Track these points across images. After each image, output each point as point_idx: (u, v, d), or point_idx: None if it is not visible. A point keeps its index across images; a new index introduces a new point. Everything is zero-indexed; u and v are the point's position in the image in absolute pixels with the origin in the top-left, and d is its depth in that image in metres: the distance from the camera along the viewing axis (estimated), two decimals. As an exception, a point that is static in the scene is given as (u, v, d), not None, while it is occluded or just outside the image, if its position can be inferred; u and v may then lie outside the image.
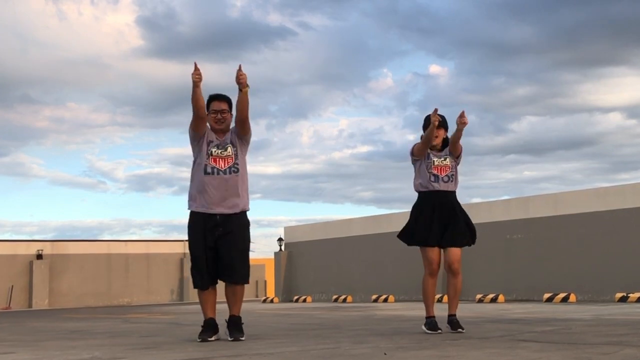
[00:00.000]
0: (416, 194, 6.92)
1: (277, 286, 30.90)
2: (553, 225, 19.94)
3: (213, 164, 6.32)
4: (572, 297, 17.65)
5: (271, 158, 65.02)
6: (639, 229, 17.90)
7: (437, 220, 6.68)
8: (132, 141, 67.05)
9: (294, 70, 64.80)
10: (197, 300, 6.74)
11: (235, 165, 6.36)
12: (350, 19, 63.77)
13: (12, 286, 35.02)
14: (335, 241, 27.91)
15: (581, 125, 60.20)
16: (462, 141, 6.83)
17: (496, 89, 58.91)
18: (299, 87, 64.98)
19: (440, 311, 6.95)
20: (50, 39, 56.13)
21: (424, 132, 6.85)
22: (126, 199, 66.98)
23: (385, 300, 22.68)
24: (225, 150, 6.35)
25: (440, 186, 6.76)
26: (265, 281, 41.22)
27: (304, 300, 26.76)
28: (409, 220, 6.89)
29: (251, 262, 6.64)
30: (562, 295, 17.75)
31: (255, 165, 59.35)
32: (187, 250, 7.43)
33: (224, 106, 6.42)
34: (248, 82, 6.24)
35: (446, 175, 6.78)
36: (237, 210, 6.35)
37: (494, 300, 18.92)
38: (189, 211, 6.43)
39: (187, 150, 6.51)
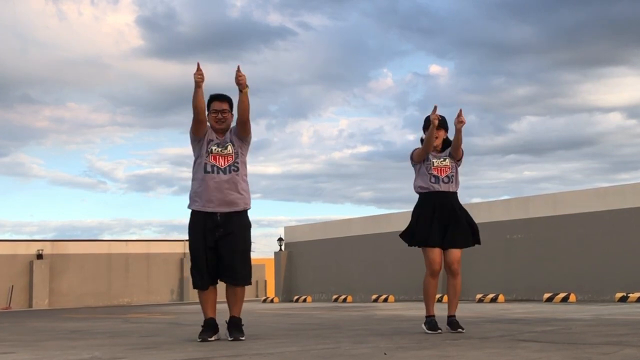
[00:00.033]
0: (417, 196, 6.92)
1: (277, 286, 30.91)
2: (553, 225, 19.95)
3: (213, 161, 6.32)
4: (572, 297, 17.66)
5: (271, 158, 65.12)
6: (639, 229, 17.91)
7: (438, 220, 6.66)
8: (132, 141, 67.17)
9: (294, 70, 64.86)
10: (197, 300, 6.73)
11: (236, 164, 6.35)
12: (350, 19, 63.85)
13: (12, 286, 35.03)
14: (335, 241, 27.91)
15: (581, 125, 60.27)
16: (465, 120, 6.80)
17: (496, 89, 58.97)
18: (299, 87, 65.07)
19: (440, 311, 6.95)
20: (50, 39, 56.18)
21: (424, 132, 6.84)
22: (126, 199, 67.09)
23: (385, 300, 22.68)
24: (226, 148, 6.35)
25: (441, 187, 6.74)
26: (266, 281, 41.25)
27: (304, 300, 26.76)
28: (411, 221, 6.88)
29: (252, 263, 6.63)
30: (562, 295, 17.75)
31: (255, 165, 59.40)
32: (187, 250, 7.44)
33: (225, 106, 6.41)
34: (247, 83, 6.24)
35: (446, 176, 6.76)
36: (238, 209, 6.33)
37: (494, 300, 18.92)
38: (190, 210, 6.43)
39: (187, 150, 6.53)
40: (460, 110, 6.69)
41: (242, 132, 6.39)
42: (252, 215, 6.54)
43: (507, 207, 21.62)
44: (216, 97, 6.44)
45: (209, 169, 6.30)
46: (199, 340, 6.23)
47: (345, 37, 65.21)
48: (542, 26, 53.33)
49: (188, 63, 61.00)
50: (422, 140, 6.91)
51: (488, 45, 57.37)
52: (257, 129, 61.08)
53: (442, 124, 6.85)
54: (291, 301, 27.91)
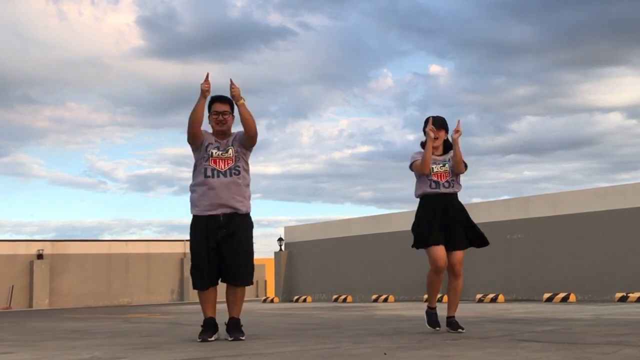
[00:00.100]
0: (417, 199, 6.91)
1: (277, 286, 30.91)
2: (553, 225, 19.95)
3: (213, 165, 6.30)
4: (572, 297, 17.66)
5: (271, 158, 65.14)
6: (639, 229, 17.91)
7: (440, 221, 6.65)
8: (133, 141, 67.18)
9: (294, 70, 64.86)
10: (197, 300, 6.72)
11: (237, 168, 6.33)
12: (350, 19, 63.86)
13: (13, 286, 35.04)
14: (335, 241, 27.91)
15: (581, 125, 60.28)
16: (461, 141, 6.80)
17: (496, 89, 58.98)
18: (299, 87, 65.08)
19: (440, 311, 6.95)
20: (51, 39, 56.19)
21: (424, 133, 6.83)
22: (126, 199, 67.10)
23: (385, 300, 22.68)
24: (227, 152, 6.33)
25: (441, 191, 6.73)
26: (266, 281, 41.26)
27: (304, 300, 26.77)
28: (413, 225, 6.85)
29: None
30: (562, 295, 17.76)
31: (255, 165, 59.26)
32: (188, 250, 7.43)
33: (226, 108, 6.40)
34: (242, 95, 6.27)
35: (446, 181, 6.72)
36: (240, 212, 6.32)
37: (494, 300, 18.93)
38: (192, 212, 6.42)
39: (187, 150, 6.51)
40: (458, 122, 6.71)
41: (249, 142, 6.39)
42: (252, 215, 6.53)
43: (507, 207, 21.62)
44: (217, 99, 6.43)
45: (209, 173, 6.29)
46: (199, 340, 6.23)
47: (345, 37, 65.27)
48: (542, 26, 53.38)
49: (188, 63, 60.98)
50: (422, 144, 6.87)
51: (488, 45, 57.43)
52: (258, 129, 60.94)
53: (442, 124, 6.84)
54: (291, 301, 27.91)
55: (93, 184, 65.63)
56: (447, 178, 6.74)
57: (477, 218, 7.39)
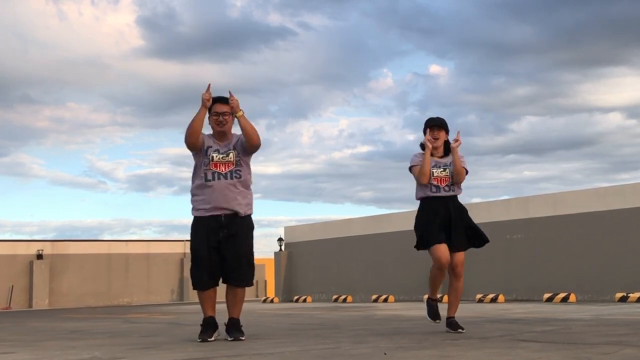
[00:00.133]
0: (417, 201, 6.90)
1: (277, 286, 30.91)
2: (553, 225, 19.95)
3: (214, 168, 6.30)
4: (572, 297, 17.66)
5: (271, 158, 65.11)
6: (639, 229, 17.91)
7: (440, 221, 6.64)
8: (133, 141, 67.15)
9: (294, 70, 64.86)
10: (197, 301, 6.72)
11: (238, 172, 6.33)
12: (350, 19, 63.85)
13: (12, 286, 35.03)
14: (335, 241, 27.91)
15: (581, 125, 60.27)
16: (461, 141, 6.79)
17: (496, 89, 58.97)
18: (299, 87, 65.06)
19: (441, 311, 6.95)
20: (51, 39, 56.20)
21: (425, 135, 6.83)
22: (126, 199, 67.07)
23: (385, 300, 22.68)
24: (227, 156, 6.32)
25: (442, 194, 6.72)
26: (266, 281, 41.25)
27: (304, 300, 26.77)
28: (415, 227, 6.84)
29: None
30: (562, 295, 17.76)
31: (255, 165, 58.76)
32: (188, 250, 7.43)
33: (226, 109, 6.39)
34: (241, 107, 6.28)
35: (446, 185, 6.72)
36: (241, 214, 6.32)
37: (494, 300, 18.93)
38: (193, 214, 6.41)
39: (187, 150, 6.50)
40: (458, 132, 6.71)
41: (251, 150, 6.38)
42: (252, 215, 6.53)
43: (507, 207, 21.62)
44: (218, 100, 6.43)
45: (209, 176, 6.28)
46: (199, 340, 6.23)
47: (345, 37, 65.26)
48: (542, 26, 53.38)
49: (188, 63, 60.99)
50: (422, 145, 6.85)
51: (488, 45, 57.42)
52: (257, 129, 60.93)
53: (442, 125, 6.83)
54: (291, 301, 27.91)
55: (93, 184, 65.67)
56: (448, 182, 6.72)
57: (477, 218, 7.39)
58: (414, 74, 65.99)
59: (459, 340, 5.70)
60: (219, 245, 6.24)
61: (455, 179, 6.73)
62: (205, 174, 6.29)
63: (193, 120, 6.26)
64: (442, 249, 6.56)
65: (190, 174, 6.50)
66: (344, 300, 24.62)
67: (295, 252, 30.11)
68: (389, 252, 24.50)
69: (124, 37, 57.79)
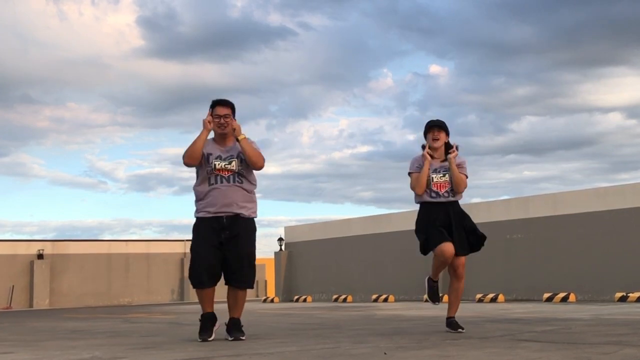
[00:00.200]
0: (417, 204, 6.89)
1: (277, 286, 30.91)
2: (553, 225, 19.95)
3: (217, 172, 6.31)
4: (572, 297, 17.66)
5: (271, 158, 65.07)
6: (639, 229, 17.91)
7: (441, 224, 6.63)
8: (133, 141, 67.17)
9: (294, 70, 64.87)
10: (197, 300, 6.72)
11: (241, 176, 6.34)
12: (350, 19, 63.86)
13: (13, 286, 35.05)
14: (335, 241, 27.91)
15: (581, 125, 60.29)
16: (461, 141, 6.79)
17: (496, 89, 58.98)
18: (299, 87, 65.08)
19: (441, 312, 6.95)
20: (51, 39, 56.21)
21: (425, 138, 6.82)
22: (126, 199, 67.08)
23: (385, 300, 22.68)
24: (230, 164, 6.32)
25: (441, 200, 6.70)
26: (266, 281, 41.26)
27: (304, 300, 26.77)
28: (416, 231, 6.81)
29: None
30: (562, 295, 17.76)
31: (256, 165, 59.21)
32: (188, 250, 7.44)
33: (227, 111, 6.39)
34: (243, 132, 6.30)
35: (446, 191, 6.69)
36: (244, 216, 6.32)
37: (494, 300, 18.93)
38: (195, 216, 6.42)
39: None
40: (456, 146, 6.71)
41: (254, 169, 6.40)
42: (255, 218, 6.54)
43: (507, 207, 21.62)
44: (218, 102, 6.43)
45: (212, 180, 6.30)
46: (199, 340, 6.24)
47: (345, 37, 65.27)
48: (542, 26, 53.39)
49: (188, 63, 61.00)
50: (423, 146, 6.84)
51: (488, 45, 57.43)
52: (257, 129, 61.05)
53: (443, 127, 6.82)
54: (291, 301, 27.91)
55: (93, 184, 65.68)
56: (447, 188, 6.69)
57: (477, 218, 7.39)
58: (414, 74, 66.06)
59: (459, 340, 5.70)
60: (221, 246, 6.24)
61: (456, 189, 6.68)
62: (209, 179, 6.30)
63: (194, 143, 6.27)
64: (447, 245, 6.50)
65: (190, 175, 6.52)
66: (344, 300, 24.63)
67: (295, 252, 30.11)
68: (389, 252, 24.50)
69: (124, 37, 57.84)
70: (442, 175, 6.69)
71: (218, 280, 6.32)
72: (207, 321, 6.32)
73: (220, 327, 6.41)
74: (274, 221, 69.09)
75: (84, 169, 68.50)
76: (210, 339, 6.26)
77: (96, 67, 55.69)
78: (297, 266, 29.97)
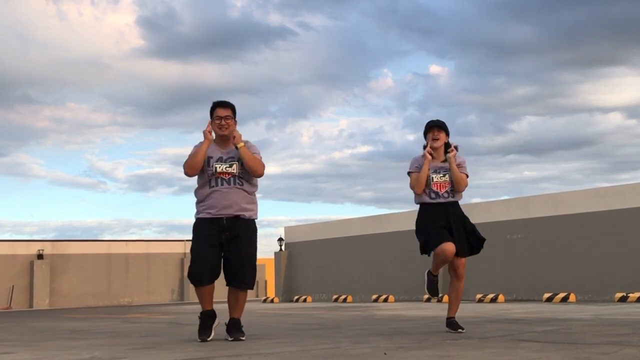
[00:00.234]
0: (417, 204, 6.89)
1: (277, 286, 30.91)
2: (553, 225, 19.94)
3: (218, 175, 6.31)
4: (572, 297, 17.66)
5: (271, 158, 64.99)
6: (639, 229, 17.91)
7: (441, 226, 6.62)
8: (132, 141, 67.11)
9: (294, 70, 64.85)
10: (197, 301, 6.72)
11: (241, 178, 6.34)
12: (350, 19, 63.83)
13: (13, 286, 35.04)
14: (335, 241, 27.91)
15: (581, 125, 60.25)
16: (461, 141, 6.79)
17: (496, 89, 58.96)
18: (299, 87, 65.04)
19: (441, 312, 6.95)
20: (51, 39, 56.20)
21: (425, 138, 6.82)
22: (126, 199, 67.02)
23: (385, 300, 22.68)
24: (231, 167, 6.33)
25: (441, 200, 6.70)
26: (266, 281, 41.25)
27: (304, 300, 26.76)
28: (416, 232, 6.80)
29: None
30: (562, 295, 17.76)
31: (256, 165, 59.15)
32: (188, 250, 7.44)
33: (228, 112, 6.40)
34: (243, 138, 6.32)
35: (446, 191, 6.68)
36: (244, 217, 6.32)
37: (494, 300, 18.93)
38: (196, 217, 6.41)
39: (187, 150, 6.51)
40: (455, 146, 6.71)
41: (254, 177, 6.41)
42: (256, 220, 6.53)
43: (507, 207, 21.62)
44: (219, 104, 6.44)
45: (213, 183, 6.30)
46: (198, 340, 6.24)
47: (345, 37, 65.24)
48: (542, 26, 53.37)
49: (188, 63, 60.96)
50: (424, 146, 6.84)
51: (488, 45, 57.41)
52: (257, 129, 61.01)
53: (443, 127, 6.82)
54: (291, 301, 27.91)
55: (93, 184, 65.62)
56: (447, 188, 6.69)
57: (477, 218, 7.40)
58: (414, 74, 66.00)
59: (459, 340, 5.70)
60: (221, 246, 6.24)
61: (456, 188, 6.68)
62: (210, 181, 6.30)
63: (195, 155, 6.28)
64: (447, 244, 6.50)
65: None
66: (344, 300, 24.62)
67: (295, 252, 30.11)
68: (389, 252, 24.49)
69: (124, 37, 57.83)
70: (442, 175, 6.69)
71: (217, 277, 6.30)
72: (207, 319, 6.33)
73: (220, 326, 6.41)
74: (274, 221, 69.12)
75: (83, 169, 68.52)
76: (209, 338, 6.27)
77: (96, 67, 55.72)
78: (297, 266, 29.97)
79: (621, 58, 55.51)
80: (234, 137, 6.31)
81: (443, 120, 6.86)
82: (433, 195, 6.68)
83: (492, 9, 55.47)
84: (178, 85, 59.00)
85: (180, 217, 73.61)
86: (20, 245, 36.41)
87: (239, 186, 6.31)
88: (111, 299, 36.84)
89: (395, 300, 22.55)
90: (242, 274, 6.26)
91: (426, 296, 19.55)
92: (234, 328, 6.28)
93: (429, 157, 6.64)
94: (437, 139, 6.74)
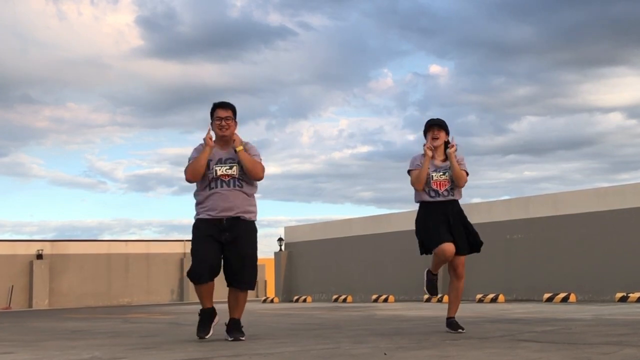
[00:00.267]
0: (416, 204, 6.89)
1: (277, 286, 30.91)
2: (553, 225, 19.94)
3: (218, 177, 6.31)
4: (572, 297, 17.66)
5: (271, 158, 65.03)
6: (639, 229, 17.91)
7: (441, 224, 6.63)
8: (132, 141, 67.15)
9: (294, 70, 64.86)
10: (197, 301, 6.71)
11: (240, 181, 6.34)
12: (350, 19, 63.85)
13: (12, 286, 35.04)
14: (335, 241, 27.91)
15: (581, 125, 60.27)
16: (461, 142, 6.80)
17: (496, 89, 58.98)
18: (299, 87, 65.06)
19: (441, 312, 6.95)
20: (50, 39, 56.21)
21: (425, 137, 6.83)
22: (126, 199, 67.05)
23: (385, 300, 22.68)
24: (231, 168, 6.33)
25: (441, 199, 6.70)
26: (266, 281, 41.28)
27: (304, 300, 26.76)
28: (416, 231, 6.81)
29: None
30: (562, 295, 17.75)
31: (256, 166, 59.16)
32: (188, 250, 7.43)
33: (228, 113, 6.40)
34: (242, 140, 6.33)
35: (445, 190, 6.69)
36: (244, 218, 6.32)
37: (494, 300, 18.93)
38: (195, 218, 6.41)
39: (187, 150, 6.52)
40: (452, 138, 6.71)
41: (253, 180, 6.41)
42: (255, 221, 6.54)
43: (507, 207, 21.62)
44: (219, 105, 6.45)
45: (213, 185, 6.30)
46: (197, 337, 6.25)
47: (345, 37, 65.26)
48: (542, 26, 53.39)
49: (188, 63, 60.97)
50: (424, 145, 6.85)
51: (488, 45, 57.43)
52: (257, 129, 61.01)
53: (443, 125, 6.82)
54: (291, 301, 27.91)
55: (93, 184, 65.66)
56: (447, 187, 6.69)
57: (477, 218, 7.41)
58: (414, 74, 66.04)
59: (459, 340, 5.70)
60: (221, 246, 6.24)
61: (457, 183, 6.69)
62: (210, 183, 6.30)
63: (197, 161, 6.28)
64: (447, 245, 6.51)
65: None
66: (344, 300, 24.62)
67: (295, 252, 30.11)
68: (389, 252, 24.49)
69: (123, 37, 57.84)
70: (442, 173, 6.70)
71: (216, 275, 6.29)
72: (206, 316, 6.33)
73: (219, 325, 6.41)
74: (274, 221, 69.16)
75: (83, 169, 68.55)
76: (207, 336, 6.27)
77: (96, 67, 55.74)
78: (297, 266, 29.97)
79: (621, 58, 55.57)
80: (234, 140, 6.32)
81: (443, 119, 6.86)
82: (433, 194, 6.68)
83: (492, 9, 55.52)
84: (178, 85, 59.06)
85: (180, 217, 73.69)
86: (20, 245, 36.40)
87: (238, 188, 6.31)
88: (111, 299, 36.84)
89: (395, 301, 22.55)
90: (243, 275, 6.26)
91: (426, 296, 19.56)
92: (234, 328, 6.28)
93: (430, 153, 6.64)
94: (437, 138, 6.75)
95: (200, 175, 6.31)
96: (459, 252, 6.60)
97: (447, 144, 6.81)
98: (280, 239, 30.85)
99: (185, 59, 59.96)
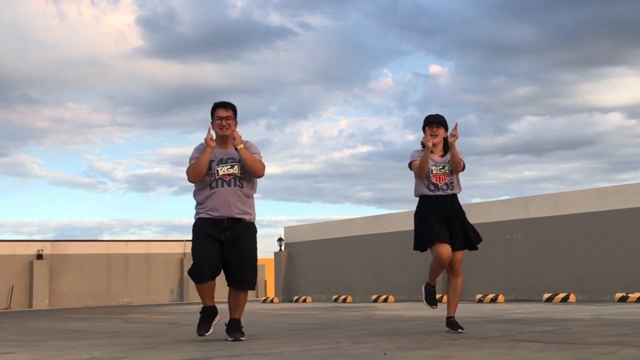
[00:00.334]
0: (416, 199, 6.90)
1: (277, 286, 30.91)
2: (553, 225, 19.95)
3: (219, 177, 6.32)
4: (572, 297, 17.66)
5: (271, 158, 64.98)
6: (639, 229, 17.91)
7: (439, 218, 6.65)
8: (132, 141, 67.11)
9: (294, 70, 64.85)
10: (197, 301, 6.72)
11: (241, 180, 6.35)
12: (350, 19, 63.84)
13: (12, 286, 35.03)
14: (335, 241, 27.91)
15: (581, 125, 60.26)
16: (461, 142, 6.80)
17: (496, 89, 58.97)
18: (299, 87, 65.04)
19: (440, 312, 6.95)
20: (51, 39, 56.20)
21: (424, 132, 6.84)
22: (126, 199, 67.02)
23: (385, 300, 22.68)
24: (232, 167, 6.34)
25: (440, 193, 6.72)
26: (265, 281, 41.28)
27: (304, 301, 26.77)
28: (414, 228, 6.84)
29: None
30: (562, 295, 17.76)
31: (256, 166, 59.14)
32: (188, 250, 7.43)
33: (229, 113, 6.41)
34: (243, 139, 6.32)
35: (445, 183, 6.72)
36: (244, 220, 6.33)
37: (494, 300, 18.93)
38: (195, 218, 6.41)
39: (187, 150, 6.53)
40: (456, 124, 6.71)
41: (254, 177, 6.42)
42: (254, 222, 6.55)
43: (507, 207, 21.62)
44: (220, 105, 6.46)
45: (213, 185, 6.31)
46: (197, 334, 6.26)
47: (345, 37, 65.24)
48: (542, 26, 53.38)
49: (188, 63, 60.96)
50: (422, 144, 6.86)
51: (488, 45, 57.42)
52: (257, 129, 60.99)
53: (441, 122, 6.83)
54: (291, 301, 27.91)
55: (93, 184, 65.62)
56: (446, 180, 6.72)
57: (477, 218, 7.42)
58: (414, 74, 66.01)
59: (459, 340, 5.70)
60: (221, 245, 6.24)
61: (452, 167, 6.72)
62: (210, 184, 6.31)
63: (199, 162, 6.28)
64: (444, 247, 6.55)
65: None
66: (344, 300, 24.62)
67: (295, 252, 30.11)
68: (389, 252, 24.49)
69: (124, 37, 57.83)
70: (441, 167, 6.74)
71: (217, 274, 6.29)
72: (207, 314, 6.34)
73: (219, 325, 6.41)
74: (274, 221, 69.15)
75: (83, 169, 68.52)
76: (207, 333, 6.28)
77: (96, 67, 55.73)
78: (297, 266, 29.97)
79: (621, 58, 55.56)
80: (234, 138, 6.33)
81: (442, 115, 6.87)
82: (432, 188, 6.72)
83: (492, 9, 55.51)
84: (178, 85, 59.05)
85: (180, 217, 73.67)
86: (20, 245, 36.40)
87: (239, 188, 6.32)
88: (111, 299, 36.83)
89: (395, 301, 22.55)
90: (243, 275, 6.26)
91: (424, 300, 19.52)
92: (234, 328, 6.28)
93: (430, 144, 6.65)
94: (436, 135, 6.77)
95: (202, 175, 6.32)
96: (454, 248, 6.62)
97: (446, 141, 6.83)
98: (280, 239, 30.85)
99: (186, 59, 60.01)
